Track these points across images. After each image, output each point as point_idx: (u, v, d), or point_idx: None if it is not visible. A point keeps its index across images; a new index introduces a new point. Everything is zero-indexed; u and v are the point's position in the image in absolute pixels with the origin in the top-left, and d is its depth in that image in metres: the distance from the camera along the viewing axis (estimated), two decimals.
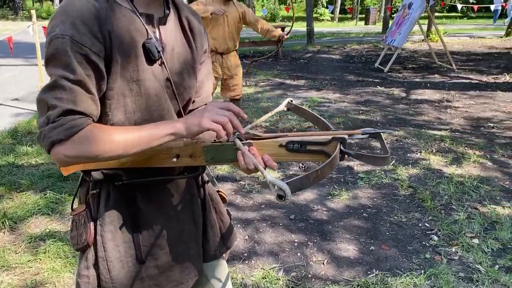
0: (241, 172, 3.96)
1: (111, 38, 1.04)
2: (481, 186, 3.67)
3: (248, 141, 1.06)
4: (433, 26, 14.50)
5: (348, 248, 2.84)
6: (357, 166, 4.11)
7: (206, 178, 1.41)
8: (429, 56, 11.39)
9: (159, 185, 1.22)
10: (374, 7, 28.98)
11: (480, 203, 3.39)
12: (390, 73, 9.36)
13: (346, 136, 1.01)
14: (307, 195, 3.55)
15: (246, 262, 2.70)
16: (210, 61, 1.40)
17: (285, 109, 1.37)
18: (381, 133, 1.09)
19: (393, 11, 20.80)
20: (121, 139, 1.02)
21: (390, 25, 10.94)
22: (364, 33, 19.17)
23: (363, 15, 27.37)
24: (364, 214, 3.27)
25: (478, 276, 2.52)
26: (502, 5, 16.98)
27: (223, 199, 1.47)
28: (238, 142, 1.04)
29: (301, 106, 1.36)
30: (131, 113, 1.11)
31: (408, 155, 4.39)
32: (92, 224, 1.19)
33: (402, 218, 3.19)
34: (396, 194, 3.57)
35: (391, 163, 4.10)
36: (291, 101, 1.37)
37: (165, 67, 1.15)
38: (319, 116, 1.28)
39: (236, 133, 1.09)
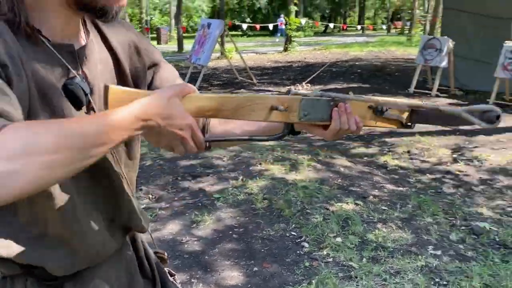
0: None
1: (29, 84, 0.75)
2: (322, 187, 4.03)
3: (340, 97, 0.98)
4: (225, 44, 15.55)
5: (233, 276, 2.73)
6: (209, 187, 4.02)
7: (150, 250, 1.16)
8: (229, 72, 12.14)
9: (91, 270, 0.96)
10: (163, 26, 29.52)
11: (328, 203, 3.70)
12: (200, 91, 9.54)
13: (421, 103, 1.04)
14: (170, 228, 3.29)
15: None
16: (167, 65, 1.11)
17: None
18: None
19: (187, 30, 21.55)
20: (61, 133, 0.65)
21: (187, 44, 11.23)
22: (162, 53, 19.30)
23: (155, 35, 27.56)
24: (234, 235, 3.20)
25: (355, 273, 2.72)
26: (279, 24, 19.43)
27: (164, 261, 1.22)
28: (340, 94, 0.96)
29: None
30: None
31: (251, 168, 4.52)
32: None
33: (270, 231, 3.24)
34: (255, 209, 3.62)
35: (240, 178, 4.16)
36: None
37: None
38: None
39: (321, 90, 0.97)
